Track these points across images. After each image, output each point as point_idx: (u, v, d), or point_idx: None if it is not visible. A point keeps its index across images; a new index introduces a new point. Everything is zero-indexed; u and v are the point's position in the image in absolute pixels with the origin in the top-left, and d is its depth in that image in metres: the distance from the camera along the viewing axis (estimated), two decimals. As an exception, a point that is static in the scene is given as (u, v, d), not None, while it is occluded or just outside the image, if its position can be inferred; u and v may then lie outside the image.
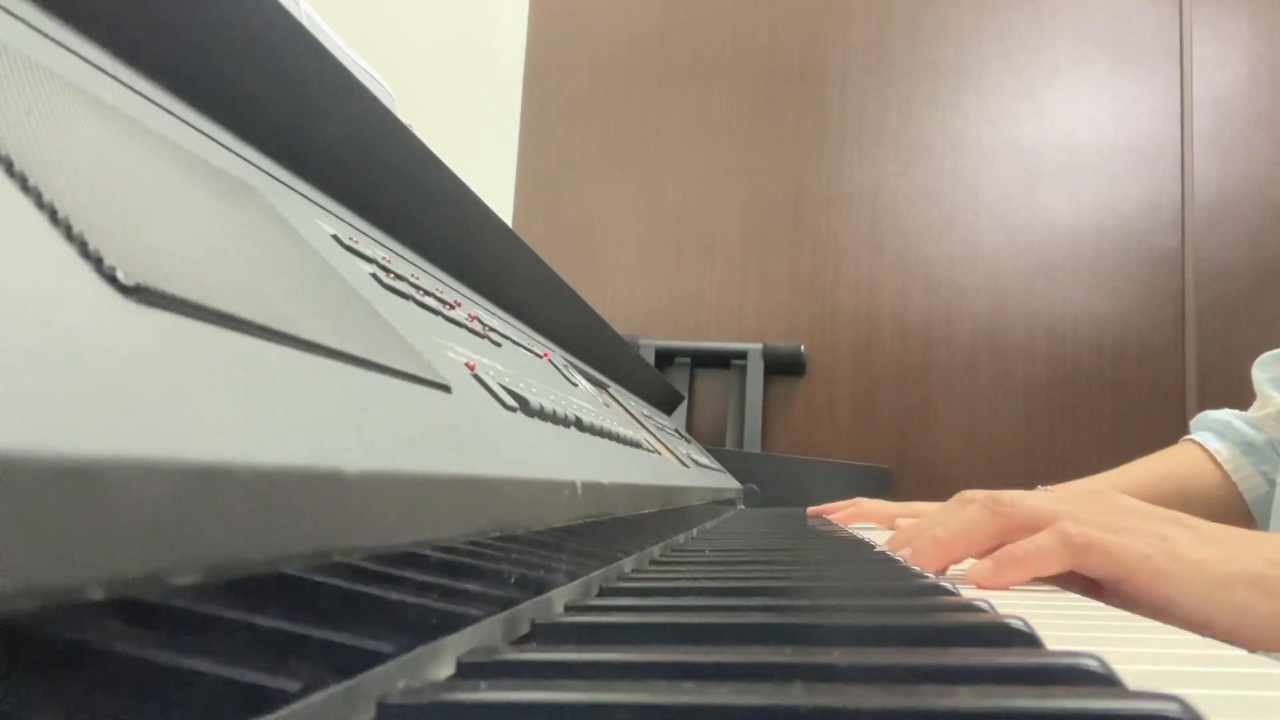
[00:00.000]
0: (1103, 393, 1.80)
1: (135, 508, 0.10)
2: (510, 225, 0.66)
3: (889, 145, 1.91)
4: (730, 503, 1.23)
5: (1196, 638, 0.30)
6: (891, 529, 0.84)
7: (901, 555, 0.51)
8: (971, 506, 0.51)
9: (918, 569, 0.46)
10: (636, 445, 0.59)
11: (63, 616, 0.10)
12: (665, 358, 1.85)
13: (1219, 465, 0.96)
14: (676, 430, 1.27)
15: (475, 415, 0.27)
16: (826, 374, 1.87)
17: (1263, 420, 0.96)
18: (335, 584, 0.16)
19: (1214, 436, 0.99)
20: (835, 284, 1.89)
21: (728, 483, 1.22)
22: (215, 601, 0.13)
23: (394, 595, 0.19)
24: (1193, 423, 1.03)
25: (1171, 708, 0.15)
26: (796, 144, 1.93)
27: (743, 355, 1.83)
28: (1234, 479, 0.95)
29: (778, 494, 1.57)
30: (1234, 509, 0.95)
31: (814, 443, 1.85)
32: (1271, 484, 0.94)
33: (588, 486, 0.33)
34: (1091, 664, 0.19)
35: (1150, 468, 1.00)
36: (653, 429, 0.90)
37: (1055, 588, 0.47)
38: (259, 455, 0.13)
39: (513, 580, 0.27)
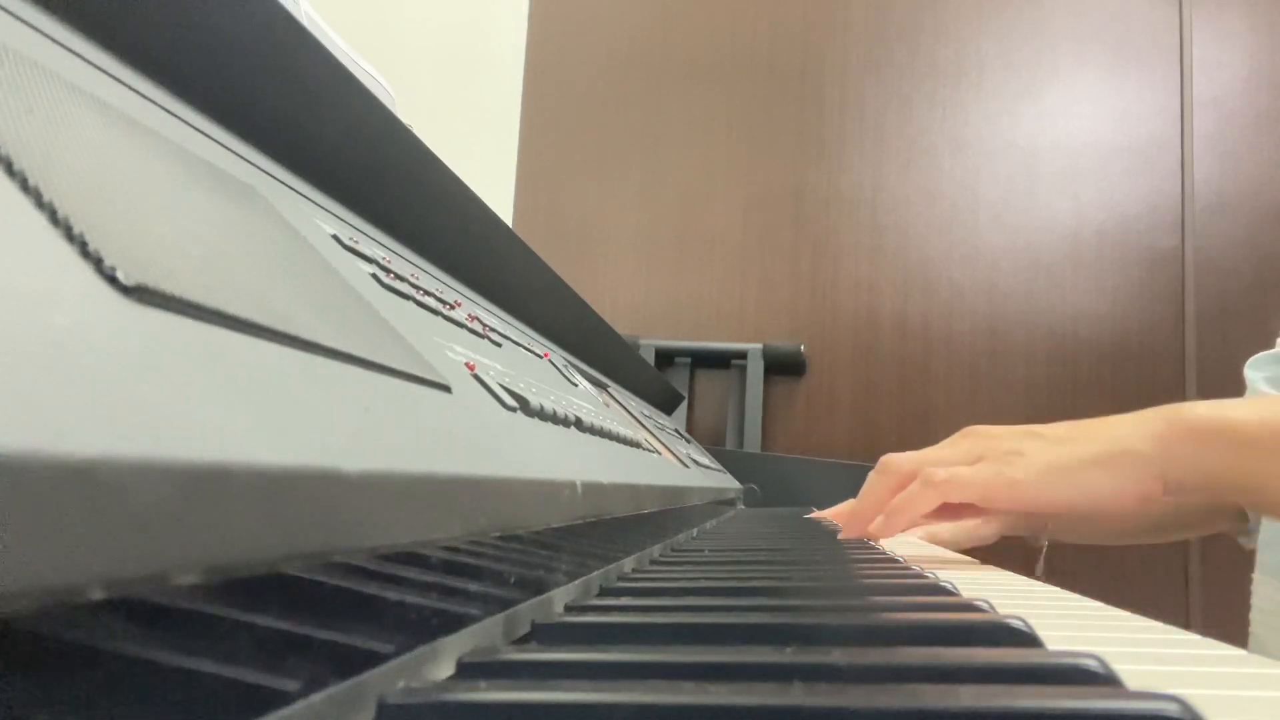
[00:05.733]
0: (1103, 393, 1.80)
1: (135, 508, 0.10)
2: (510, 225, 0.66)
3: (889, 145, 1.91)
4: (730, 502, 1.23)
5: (1196, 638, 0.30)
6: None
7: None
8: (878, 477, 0.62)
9: (918, 569, 0.46)
10: (636, 445, 0.59)
11: (63, 616, 0.10)
12: (665, 358, 1.84)
13: None
14: (676, 430, 1.27)
15: (475, 415, 0.27)
16: (826, 374, 1.87)
17: None
18: (335, 584, 0.16)
19: None
20: (835, 284, 1.89)
21: (728, 483, 1.22)
22: (215, 601, 0.13)
23: (394, 595, 0.19)
24: None
25: (1171, 708, 0.15)
26: (796, 144, 1.93)
27: (743, 355, 1.83)
28: None
29: (778, 494, 1.57)
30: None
31: (814, 443, 1.85)
32: None
33: (588, 486, 0.33)
34: (1091, 664, 0.19)
35: None
36: (653, 429, 0.90)
37: (1055, 588, 0.47)
38: (259, 455, 0.13)
39: (513, 580, 0.27)
